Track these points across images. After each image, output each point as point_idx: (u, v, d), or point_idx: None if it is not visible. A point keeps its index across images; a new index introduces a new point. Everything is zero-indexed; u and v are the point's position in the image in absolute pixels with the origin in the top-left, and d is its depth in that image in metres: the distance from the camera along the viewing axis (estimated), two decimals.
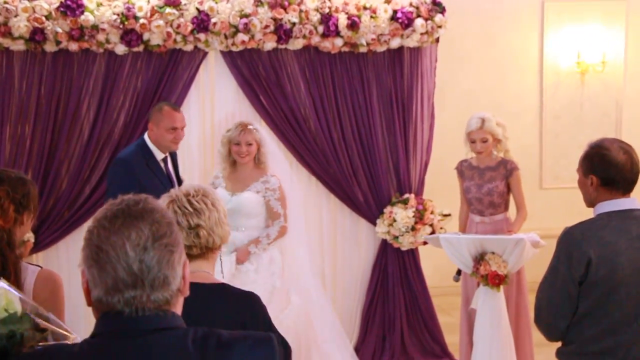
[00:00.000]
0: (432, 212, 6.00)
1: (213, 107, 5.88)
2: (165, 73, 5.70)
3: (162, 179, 4.90)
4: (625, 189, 3.12)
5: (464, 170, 5.48)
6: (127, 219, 1.66)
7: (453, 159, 6.05)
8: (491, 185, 5.33)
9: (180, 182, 5.10)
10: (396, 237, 5.99)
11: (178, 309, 1.73)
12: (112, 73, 5.63)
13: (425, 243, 5.85)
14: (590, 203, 3.19)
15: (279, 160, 5.40)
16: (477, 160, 5.41)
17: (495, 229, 5.32)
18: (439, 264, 6.59)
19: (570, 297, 3.08)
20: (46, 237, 5.57)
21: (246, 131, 5.13)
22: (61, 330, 1.92)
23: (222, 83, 5.88)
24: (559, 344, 3.24)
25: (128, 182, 4.63)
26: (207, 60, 5.82)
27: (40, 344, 1.83)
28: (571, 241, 3.07)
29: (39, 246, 5.54)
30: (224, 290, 2.63)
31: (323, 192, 6.13)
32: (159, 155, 5.00)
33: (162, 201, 2.54)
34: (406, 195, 6.05)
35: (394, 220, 5.95)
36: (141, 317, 1.64)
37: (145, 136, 5.03)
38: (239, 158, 5.15)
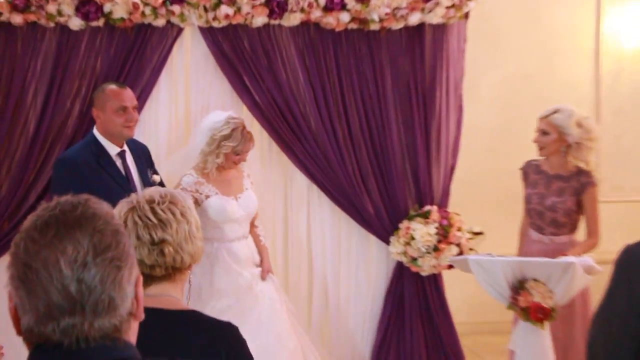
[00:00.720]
0: (459, 229, 6.00)
1: (188, 96, 5.94)
2: (131, 53, 5.72)
3: (118, 178, 4.93)
4: None
5: (529, 172, 5.48)
6: (61, 228, 1.62)
7: (486, 164, 6.10)
8: (557, 199, 5.32)
9: (155, 182, 5.13)
10: (415, 260, 5.98)
11: (131, 336, 1.71)
12: (66, 53, 5.63)
13: (450, 267, 5.84)
14: None
15: None
16: (548, 163, 5.39)
17: (555, 253, 5.19)
18: (469, 294, 6.61)
19: (631, 334, 2.99)
20: None
21: (251, 140, 5.35)
22: None
23: (201, 66, 5.92)
24: None
25: (75, 186, 4.44)
26: (182, 39, 5.85)
27: None
28: (633, 262, 3.01)
29: None
30: (195, 318, 2.64)
31: (325, 203, 6.18)
32: (113, 150, 5.02)
33: (120, 208, 2.57)
34: (427, 208, 6.06)
35: (412, 238, 5.94)
36: (84, 348, 1.61)
37: (94, 130, 5.07)
38: (233, 165, 5.40)
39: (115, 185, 4.81)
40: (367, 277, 6.26)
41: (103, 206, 1.71)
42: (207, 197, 5.30)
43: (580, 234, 5.42)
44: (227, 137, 5.21)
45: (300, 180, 6.15)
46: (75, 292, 1.59)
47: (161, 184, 5.15)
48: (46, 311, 1.59)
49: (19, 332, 1.66)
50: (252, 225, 5.62)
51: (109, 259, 1.63)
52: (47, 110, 5.65)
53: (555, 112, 5.28)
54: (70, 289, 1.59)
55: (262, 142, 6.10)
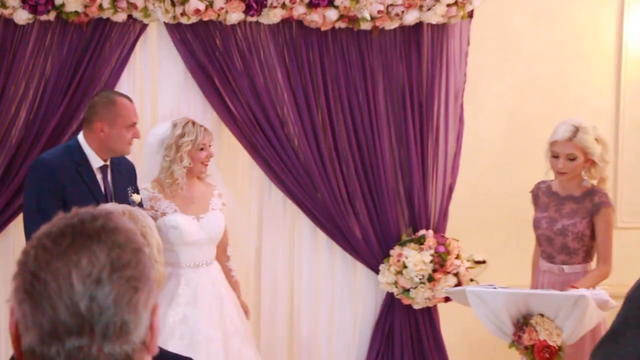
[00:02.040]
0: (458, 257, 6.01)
1: (154, 100, 5.99)
2: (87, 52, 5.75)
3: (95, 191, 5.04)
4: None
5: (539, 195, 5.53)
6: (78, 238, 1.60)
7: (489, 184, 6.07)
8: (568, 221, 5.34)
9: (134, 201, 5.20)
10: (407, 291, 5.99)
11: None
12: (9, 50, 5.69)
13: (447, 299, 5.93)
14: None
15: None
16: (559, 185, 5.46)
17: (565, 285, 5.28)
18: (467, 330, 6.57)
19: None
20: None
21: (207, 131, 5.46)
22: None
23: (167, 67, 5.97)
24: None
25: (49, 191, 4.93)
26: (146, 36, 5.91)
27: None
28: None
29: None
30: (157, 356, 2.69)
31: (307, 225, 6.22)
32: (96, 162, 5.13)
33: None
34: (422, 232, 6.10)
35: (405, 267, 5.96)
36: None
37: (80, 137, 5.14)
38: (204, 167, 5.46)
39: (91, 197, 4.93)
40: (354, 310, 6.31)
41: (126, 222, 1.71)
42: (163, 214, 5.38)
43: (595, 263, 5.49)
44: (182, 135, 5.31)
45: (278, 199, 6.20)
46: (86, 310, 1.58)
47: (140, 204, 5.22)
48: (51, 329, 1.58)
49: (19, 354, 1.64)
50: (224, 255, 5.69)
51: (126, 277, 1.62)
52: None
53: (577, 131, 5.29)
54: (80, 306, 1.58)
55: (234, 154, 6.19)
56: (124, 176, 5.24)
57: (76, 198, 4.82)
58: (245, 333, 5.49)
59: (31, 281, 1.60)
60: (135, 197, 5.19)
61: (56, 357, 1.59)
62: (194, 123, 5.37)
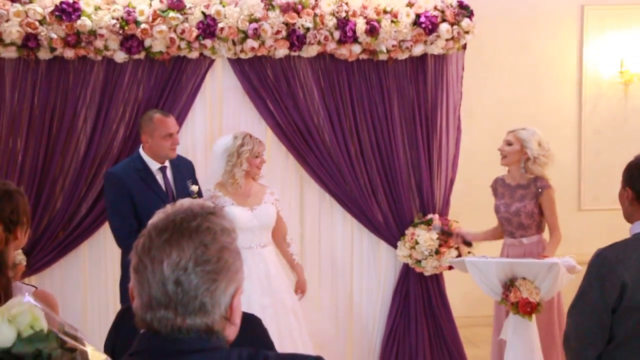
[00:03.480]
0: (457, 234, 5.92)
1: (220, 119, 5.92)
2: (169, 82, 5.74)
3: (157, 190, 5.03)
4: None
5: (497, 187, 5.53)
6: (174, 235, 1.65)
7: (482, 177, 6.04)
8: (520, 204, 5.33)
9: (193, 191, 5.14)
10: (419, 261, 5.99)
11: (229, 334, 1.72)
12: (111, 82, 5.66)
13: (450, 268, 5.88)
14: (627, 218, 3.25)
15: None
16: (510, 177, 5.44)
17: (527, 252, 5.32)
18: (467, 291, 6.60)
19: (602, 325, 3.11)
20: (39, 260, 5.59)
21: (261, 142, 5.37)
22: (88, 348, 1.90)
23: (230, 93, 5.93)
24: None
25: (120, 196, 4.94)
26: (213, 69, 5.86)
27: None
28: (604, 264, 3.10)
29: (31, 269, 5.55)
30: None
31: (338, 211, 6.16)
32: (155, 166, 5.10)
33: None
34: (430, 216, 6.06)
35: (417, 243, 5.95)
36: (180, 338, 1.64)
37: (140, 149, 5.14)
38: (258, 170, 5.36)
39: (154, 195, 4.94)
40: (377, 277, 6.25)
41: (223, 222, 1.71)
42: (222, 208, 5.19)
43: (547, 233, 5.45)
44: (241, 145, 5.22)
45: (315, 192, 6.14)
46: (172, 291, 1.62)
47: (199, 193, 5.20)
48: (147, 301, 1.64)
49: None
50: (284, 242, 5.57)
51: (207, 271, 1.63)
52: (95, 133, 5.69)
53: (522, 129, 5.37)
54: (167, 288, 1.62)
55: (283, 157, 6.11)
56: (183, 172, 5.20)
57: (142, 197, 4.89)
58: (292, 306, 5.36)
59: (137, 262, 1.66)
60: (194, 188, 5.15)
61: (152, 323, 1.64)
62: (251, 136, 5.30)
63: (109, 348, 2.35)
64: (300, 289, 5.52)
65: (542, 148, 5.31)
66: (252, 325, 2.60)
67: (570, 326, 3.20)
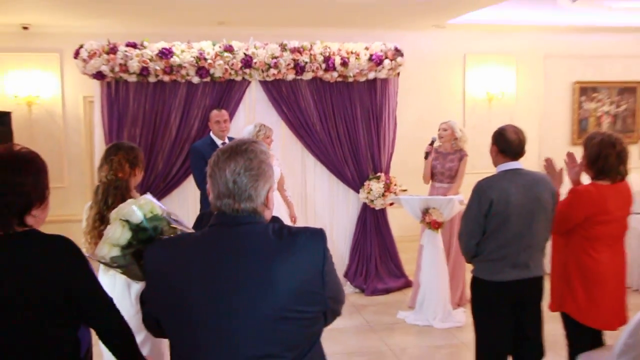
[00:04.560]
0: (395, 185, 5.91)
1: (254, 118, 5.73)
2: (224, 95, 5.61)
3: None
4: (514, 156, 3.04)
5: (434, 153, 5.25)
6: (232, 154, 1.57)
7: (409, 152, 6.07)
8: (450, 164, 5.16)
9: None
10: (372, 201, 5.85)
11: (267, 215, 1.61)
12: (190, 95, 5.55)
13: (391, 204, 5.74)
14: (494, 164, 3.12)
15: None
16: (443, 148, 5.21)
17: (446, 192, 5.12)
18: (401, 219, 6.53)
19: (479, 225, 2.97)
20: None
21: (271, 129, 4.98)
22: (185, 228, 1.86)
23: (260, 102, 5.74)
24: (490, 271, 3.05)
25: (199, 162, 4.73)
26: (250, 87, 5.71)
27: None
28: (480, 188, 2.98)
29: None
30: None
31: (325, 172, 5.96)
32: (219, 142, 4.95)
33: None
34: (379, 174, 5.91)
35: (371, 190, 5.83)
36: (238, 216, 1.56)
37: (210, 133, 5.06)
38: (269, 146, 4.77)
39: None
40: (347, 211, 6.02)
41: (261, 147, 1.61)
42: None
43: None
44: (259, 130, 4.88)
45: (311, 160, 5.90)
46: (232, 187, 1.55)
47: None
48: (218, 194, 1.57)
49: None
50: (284, 191, 5.19)
51: (252, 175, 1.55)
52: (180, 126, 5.57)
53: (451, 122, 5.25)
54: (229, 185, 1.55)
55: (293, 141, 5.86)
56: None
57: None
58: None
59: (211, 170, 1.57)
60: None
61: (220, 206, 1.57)
62: (264, 125, 4.94)
63: None
64: (292, 218, 5.19)
65: (462, 132, 5.19)
66: (278, 220, 2.35)
67: (462, 226, 3.06)
